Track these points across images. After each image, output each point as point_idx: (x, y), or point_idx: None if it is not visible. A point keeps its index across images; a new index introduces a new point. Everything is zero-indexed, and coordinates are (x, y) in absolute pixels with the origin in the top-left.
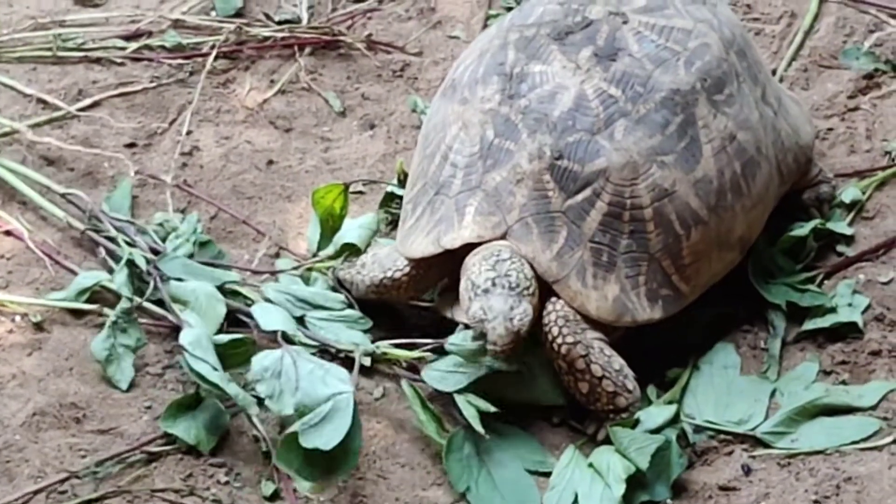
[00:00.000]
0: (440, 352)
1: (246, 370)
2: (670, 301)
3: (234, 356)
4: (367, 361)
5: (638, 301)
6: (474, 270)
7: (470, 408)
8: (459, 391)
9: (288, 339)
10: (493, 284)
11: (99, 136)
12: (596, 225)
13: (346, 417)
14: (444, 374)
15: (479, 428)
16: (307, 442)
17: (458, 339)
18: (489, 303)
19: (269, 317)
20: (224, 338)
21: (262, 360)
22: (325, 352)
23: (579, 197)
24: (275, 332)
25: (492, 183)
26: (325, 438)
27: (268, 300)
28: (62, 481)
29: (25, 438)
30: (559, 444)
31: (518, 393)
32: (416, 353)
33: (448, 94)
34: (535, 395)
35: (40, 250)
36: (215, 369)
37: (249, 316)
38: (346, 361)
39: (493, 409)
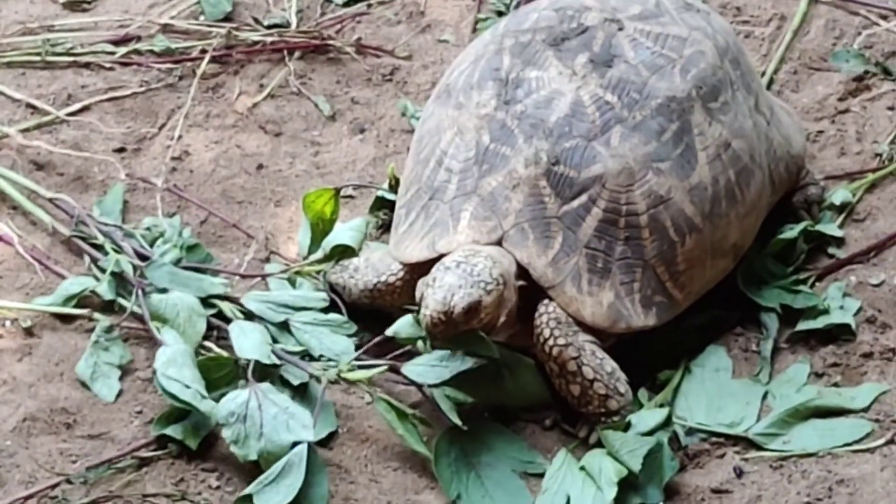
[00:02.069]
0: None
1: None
2: (664, 308)
3: (217, 379)
4: (332, 376)
5: (632, 307)
6: (448, 256)
7: (446, 401)
8: (439, 385)
9: (261, 367)
10: (457, 266)
11: (88, 140)
12: (591, 231)
13: (300, 472)
14: (425, 369)
15: (455, 420)
16: (262, 502)
17: (400, 323)
18: (443, 276)
19: (244, 340)
20: (206, 358)
21: (228, 404)
22: (307, 355)
23: (575, 203)
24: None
25: (487, 188)
26: (281, 496)
27: (248, 312)
28: (53, 486)
29: (16, 444)
30: (551, 447)
31: (498, 393)
32: (377, 371)
33: (442, 99)
34: (515, 395)
35: (30, 255)
36: (188, 387)
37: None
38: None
39: (470, 400)
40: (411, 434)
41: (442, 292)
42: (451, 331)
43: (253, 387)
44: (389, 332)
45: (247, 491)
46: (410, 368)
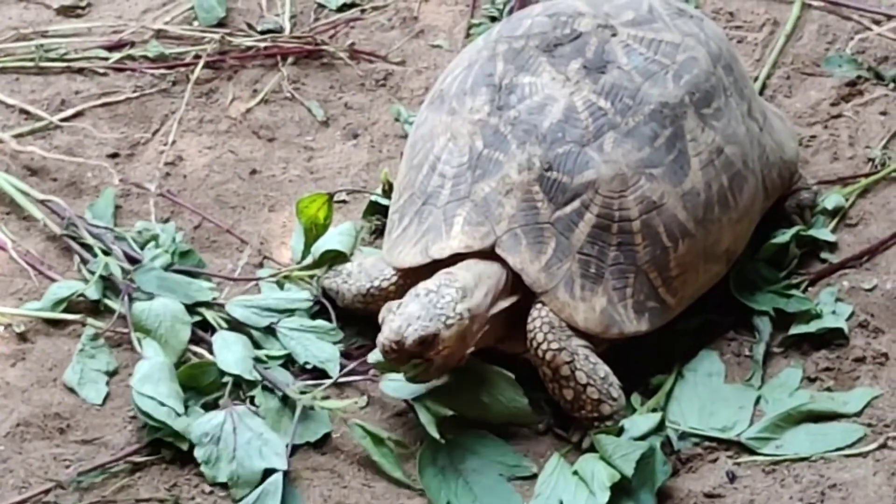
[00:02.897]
0: None
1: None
2: (657, 313)
3: (204, 387)
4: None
5: (625, 313)
6: (424, 282)
7: (427, 414)
8: (416, 399)
9: (239, 383)
10: (426, 294)
11: (82, 146)
12: (584, 236)
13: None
14: (402, 384)
15: (434, 434)
16: None
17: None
18: (408, 304)
19: (227, 353)
20: (190, 365)
21: (203, 425)
22: (293, 361)
23: (568, 208)
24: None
25: (480, 193)
26: None
27: (233, 320)
28: (46, 492)
29: (10, 449)
30: (544, 451)
31: (478, 407)
32: (350, 402)
33: (436, 105)
34: (496, 409)
35: (24, 260)
36: (162, 404)
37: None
38: (315, 372)
39: (450, 412)
40: (388, 459)
41: (399, 321)
42: (404, 360)
43: (229, 409)
44: (370, 359)
45: None
46: (388, 384)
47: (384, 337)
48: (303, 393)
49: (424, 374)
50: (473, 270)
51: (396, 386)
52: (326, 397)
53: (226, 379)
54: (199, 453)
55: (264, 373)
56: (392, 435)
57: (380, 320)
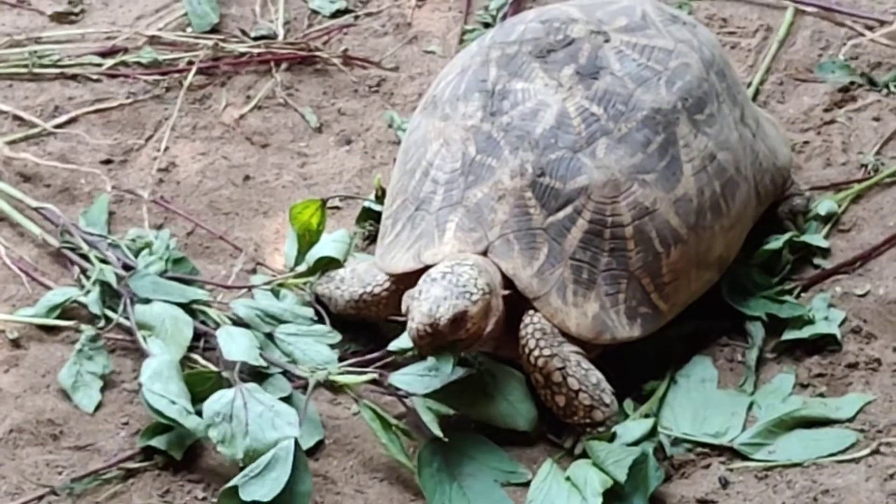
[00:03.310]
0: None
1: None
2: (649, 319)
3: (202, 391)
4: (322, 376)
5: (617, 319)
6: (435, 267)
7: (428, 412)
8: (428, 395)
9: (248, 369)
10: (443, 277)
11: (75, 152)
12: (577, 242)
13: (286, 466)
14: (413, 378)
15: (437, 432)
16: (247, 495)
17: (401, 340)
18: (429, 288)
19: (232, 344)
20: (191, 372)
21: (213, 404)
22: (292, 364)
23: (560, 214)
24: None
25: (473, 199)
26: (266, 489)
27: (237, 318)
28: (39, 498)
29: (2, 455)
30: (536, 457)
31: (485, 407)
32: (366, 377)
33: (429, 110)
34: (503, 410)
35: (17, 267)
36: (173, 402)
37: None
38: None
39: (451, 411)
40: (394, 444)
41: (427, 304)
42: (437, 342)
43: (238, 386)
44: (392, 346)
45: (232, 483)
46: (398, 378)
47: (417, 322)
48: (312, 372)
49: (452, 353)
50: (473, 257)
51: (408, 380)
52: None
53: (232, 375)
54: (213, 433)
55: (271, 359)
56: (400, 423)
57: (403, 310)
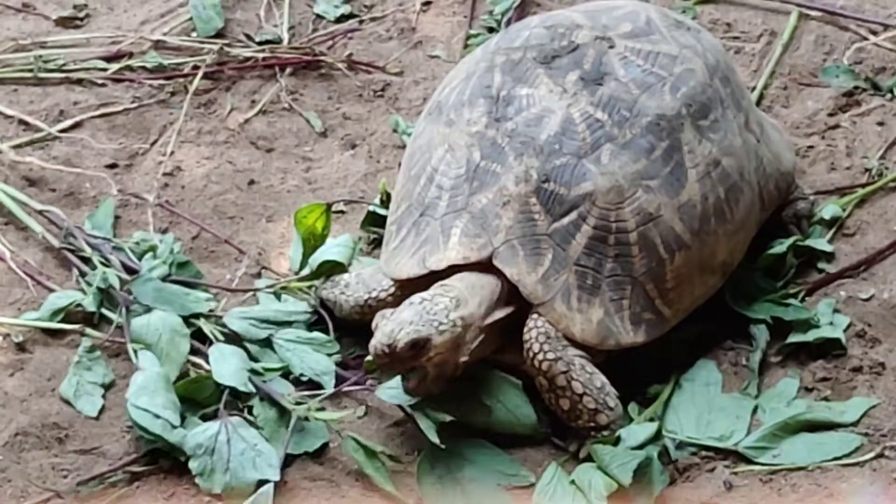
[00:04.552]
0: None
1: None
2: (653, 325)
3: (201, 400)
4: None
5: (622, 324)
6: (422, 291)
7: (426, 420)
8: (415, 406)
9: (237, 395)
10: (420, 302)
11: (80, 156)
12: (581, 248)
13: None
14: (398, 391)
15: (435, 440)
16: None
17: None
18: (403, 310)
19: (224, 365)
20: (189, 379)
21: (197, 436)
22: (289, 373)
23: (565, 220)
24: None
25: (478, 205)
26: None
27: (231, 332)
28: (45, 501)
29: (8, 459)
30: (541, 461)
31: (483, 414)
32: (345, 413)
33: (434, 116)
34: (501, 417)
35: (22, 271)
36: (157, 416)
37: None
38: (312, 383)
39: (448, 418)
40: (380, 472)
41: (391, 325)
42: (396, 365)
43: (224, 420)
44: (367, 360)
45: None
46: (385, 391)
47: (376, 340)
48: (298, 404)
49: (421, 385)
50: (468, 281)
51: (394, 393)
52: (322, 408)
53: (224, 390)
54: (193, 465)
55: (260, 384)
56: (385, 448)
57: (373, 327)
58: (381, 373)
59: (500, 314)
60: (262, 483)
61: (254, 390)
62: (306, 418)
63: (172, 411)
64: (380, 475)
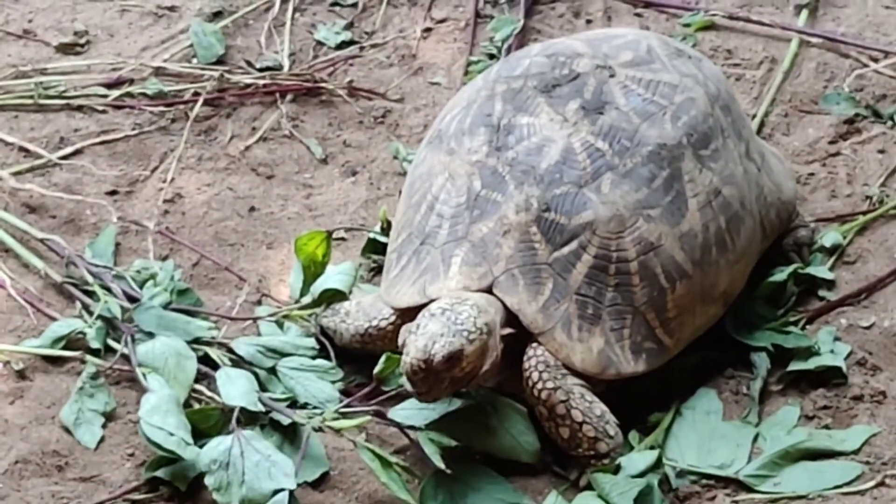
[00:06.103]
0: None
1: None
2: (654, 354)
3: (207, 428)
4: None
5: (622, 354)
6: (435, 302)
7: (430, 444)
8: (427, 427)
9: (248, 413)
10: (441, 313)
11: (81, 183)
12: (582, 277)
13: None
14: (412, 412)
15: (439, 464)
16: None
17: (384, 363)
18: (427, 323)
19: (231, 387)
20: (195, 409)
21: (211, 451)
22: (294, 401)
23: (566, 249)
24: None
25: (478, 234)
26: None
27: (238, 357)
28: None
29: (8, 486)
30: (541, 489)
31: (487, 440)
32: (359, 421)
33: (434, 144)
34: (505, 443)
35: (22, 298)
36: (171, 434)
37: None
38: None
39: (454, 443)
40: (395, 482)
41: (423, 340)
42: (431, 379)
43: (237, 433)
44: (376, 370)
45: None
46: (397, 412)
47: (412, 357)
48: (309, 418)
49: (437, 391)
50: (475, 294)
51: (407, 414)
52: (336, 418)
53: (232, 414)
54: (209, 481)
55: (269, 403)
56: (400, 460)
57: (399, 344)
58: (417, 389)
59: (504, 331)
60: (277, 493)
61: (263, 409)
62: (320, 429)
63: (185, 431)
64: (395, 484)
